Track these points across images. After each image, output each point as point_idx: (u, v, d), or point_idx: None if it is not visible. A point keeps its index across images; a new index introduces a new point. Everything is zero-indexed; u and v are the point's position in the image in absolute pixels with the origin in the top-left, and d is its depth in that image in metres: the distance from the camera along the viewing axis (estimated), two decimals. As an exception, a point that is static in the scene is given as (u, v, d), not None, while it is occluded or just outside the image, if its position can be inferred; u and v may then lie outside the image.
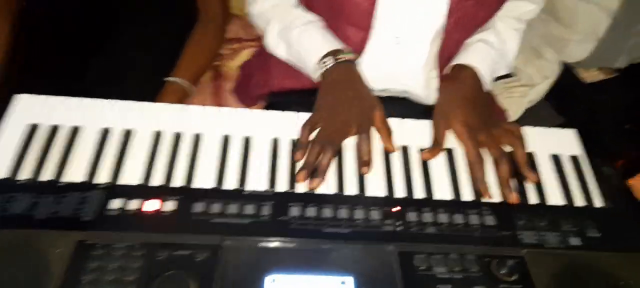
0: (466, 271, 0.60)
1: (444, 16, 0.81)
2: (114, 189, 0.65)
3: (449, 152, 0.76)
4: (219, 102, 1.08)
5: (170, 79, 1.00)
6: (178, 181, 0.68)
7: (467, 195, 0.71)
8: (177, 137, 0.73)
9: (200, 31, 1.07)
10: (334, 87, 0.78)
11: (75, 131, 0.72)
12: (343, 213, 0.65)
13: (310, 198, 0.67)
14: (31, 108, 0.74)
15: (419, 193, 0.70)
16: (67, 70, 1.00)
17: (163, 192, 0.66)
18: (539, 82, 1.09)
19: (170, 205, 0.64)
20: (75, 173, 0.67)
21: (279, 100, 0.97)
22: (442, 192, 0.71)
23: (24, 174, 0.66)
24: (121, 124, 0.74)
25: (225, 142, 0.73)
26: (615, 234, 0.67)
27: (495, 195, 0.71)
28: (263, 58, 1.02)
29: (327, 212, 0.65)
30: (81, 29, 1.00)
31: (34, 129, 0.71)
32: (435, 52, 0.86)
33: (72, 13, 0.99)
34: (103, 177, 0.67)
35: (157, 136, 0.73)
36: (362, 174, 0.70)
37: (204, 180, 0.69)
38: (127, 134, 0.72)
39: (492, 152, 0.73)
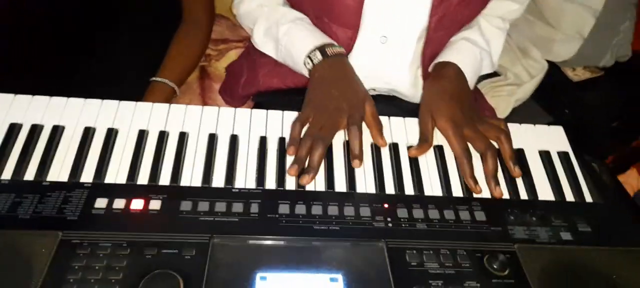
0: (458, 266, 0.59)
1: (427, 15, 0.81)
2: (99, 188, 0.64)
3: (440, 148, 0.75)
4: (205, 102, 1.07)
5: (156, 78, 0.99)
6: (164, 180, 0.67)
7: (457, 191, 0.71)
8: (163, 136, 0.72)
9: (184, 32, 1.06)
10: (324, 81, 0.77)
11: (57, 130, 0.70)
12: (333, 210, 0.65)
13: (299, 195, 0.66)
14: (12, 107, 0.72)
15: (409, 190, 0.70)
16: (52, 72, 0.98)
17: (149, 190, 0.64)
18: (526, 80, 1.10)
19: (157, 204, 0.62)
20: (59, 172, 0.66)
21: (265, 100, 0.96)
22: (433, 188, 0.71)
23: (6, 174, 0.65)
24: (104, 123, 0.72)
25: (211, 141, 0.72)
26: (607, 229, 0.67)
27: (483, 186, 0.71)
28: (249, 58, 1.02)
29: (317, 209, 0.64)
30: (67, 29, 0.99)
31: (14, 128, 0.70)
32: (421, 51, 0.86)
33: (58, 13, 0.97)
34: (87, 176, 0.66)
35: (142, 135, 0.71)
36: (353, 168, 0.70)
37: (191, 178, 0.68)
38: (111, 133, 0.71)
39: (478, 146, 0.73)
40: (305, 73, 0.82)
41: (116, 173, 0.67)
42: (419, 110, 0.78)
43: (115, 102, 0.75)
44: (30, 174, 0.65)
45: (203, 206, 0.63)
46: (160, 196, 0.63)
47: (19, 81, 0.78)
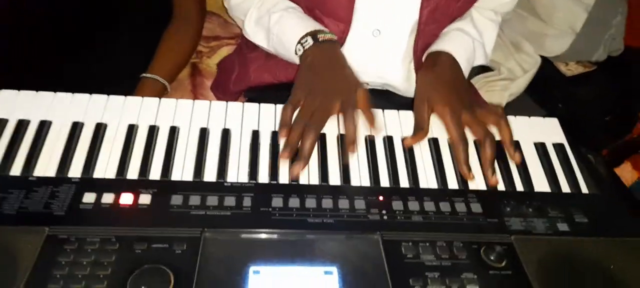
0: (454, 258, 0.59)
1: (418, 8, 0.80)
2: (87, 183, 0.62)
3: (435, 141, 0.74)
4: (197, 98, 1.05)
5: (146, 75, 0.97)
6: (155, 174, 0.65)
7: (452, 183, 0.70)
8: (153, 130, 0.70)
9: (175, 28, 1.05)
10: (315, 66, 0.76)
11: (44, 125, 0.69)
12: (327, 203, 0.63)
13: (293, 189, 0.65)
14: (-2, 102, 0.71)
15: (404, 182, 0.69)
16: (52, 72, 0.97)
17: (139, 184, 0.63)
18: (519, 75, 1.10)
19: (147, 198, 0.61)
20: (46, 167, 0.64)
21: (257, 96, 0.95)
22: (428, 181, 0.70)
23: (-9, 170, 0.63)
24: (93, 118, 0.71)
25: (203, 135, 0.71)
26: (603, 220, 0.66)
27: (478, 177, 0.70)
28: (241, 54, 1.01)
29: (311, 202, 0.63)
30: (67, 29, 0.98)
31: (0, 123, 0.68)
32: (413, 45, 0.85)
33: (58, 13, 0.97)
34: (75, 171, 0.64)
35: (132, 129, 0.70)
36: (348, 161, 0.68)
37: (182, 172, 0.66)
38: (100, 128, 0.69)
39: (477, 133, 0.72)
40: (297, 60, 0.80)
41: (105, 168, 0.65)
42: (413, 98, 0.77)
43: (104, 96, 0.74)
44: (16, 169, 0.63)
45: (194, 200, 0.61)
46: (150, 190, 0.62)
47: (19, 81, 0.76)
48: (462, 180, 0.70)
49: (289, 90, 0.80)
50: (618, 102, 1.16)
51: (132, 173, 0.65)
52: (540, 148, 0.76)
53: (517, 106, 1.09)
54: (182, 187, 0.63)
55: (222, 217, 0.60)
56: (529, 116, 0.82)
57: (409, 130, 0.76)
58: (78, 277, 0.51)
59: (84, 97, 0.73)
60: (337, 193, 0.65)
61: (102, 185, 0.62)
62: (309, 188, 0.66)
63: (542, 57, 1.14)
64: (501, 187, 0.70)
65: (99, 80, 0.94)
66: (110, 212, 0.59)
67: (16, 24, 0.93)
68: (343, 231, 0.61)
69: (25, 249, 0.53)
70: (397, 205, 0.64)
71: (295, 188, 0.65)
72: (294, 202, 0.63)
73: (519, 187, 0.71)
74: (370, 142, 0.73)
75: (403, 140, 0.74)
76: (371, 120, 0.72)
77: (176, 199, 0.61)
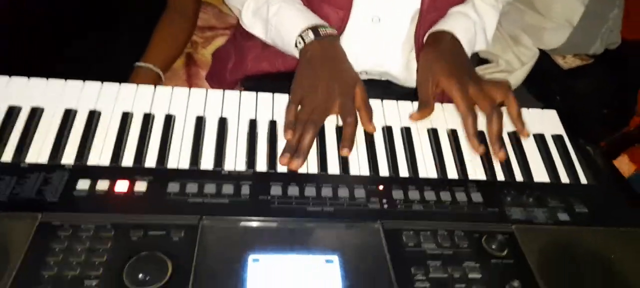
0: (456, 247, 0.58)
1: None
2: (81, 170, 0.61)
3: (434, 131, 0.74)
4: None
5: (140, 63, 0.96)
6: (150, 162, 0.64)
7: (452, 173, 0.69)
8: (148, 118, 0.69)
9: (169, 18, 1.03)
10: (315, 62, 0.75)
11: (36, 112, 0.67)
12: (326, 191, 0.62)
13: (292, 177, 0.64)
14: (-11, 88, 0.69)
15: (404, 172, 0.68)
16: (52, 72, 0.96)
17: (135, 172, 0.61)
18: (518, 67, 1.09)
19: (143, 185, 0.60)
20: (38, 154, 0.63)
21: (253, 85, 0.93)
22: (427, 170, 0.69)
23: (-18, 156, 0.61)
24: (86, 105, 0.69)
25: (199, 123, 0.69)
26: (603, 210, 0.66)
27: (478, 167, 0.70)
28: (236, 43, 0.99)
29: (310, 191, 0.62)
30: (67, 30, 0.97)
31: (-10, 109, 0.66)
32: (414, 33, 0.84)
33: (58, 13, 0.96)
34: (69, 158, 0.63)
35: (126, 117, 0.68)
36: (345, 153, 0.68)
37: (178, 160, 0.65)
38: (93, 115, 0.68)
39: (484, 107, 0.72)
40: (295, 53, 0.79)
41: (99, 156, 0.64)
42: (417, 75, 0.76)
43: (98, 83, 0.73)
44: (7, 156, 0.62)
45: (191, 188, 0.60)
46: (146, 178, 0.61)
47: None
48: (462, 170, 0.69)
49: (286, 80, 0.79)
50: (615, 95, 1.16)
51: (127, 160, 0.64)
52: (539, 139, 0.75)
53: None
54: (178, 174, 0.62)
55: (220, 205, 0.59)
56: (527, 108, 0.81)
57: (406, 120, 0.75)
58: (73, 264, 0.50)
59: (77, 83, 0.72)
60: (337, 182, 0.64)
61: (97, 172, 0.61)
62: (307, 177, 0.65)
63: (539, 50, 1.14)
64: (500, 177, 0.70)
65: (72, 66, 0.93)
66: (105, 199, 0.58)
67: (16, 24, 0.92)
68: (343, 220, 0.60)
69: (16, 236, 0.52)
70: (397, 194, 0.64)
71: (294, 177, 0.64)
72: (293, 191, 0.62)
73: (518, 177, 0.70)
74: (369, 134, 0.72)
75: (410, 115, 0.73)
76: (368, 119, 0.72)
77: (173, 187, 0.60)
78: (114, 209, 0.56)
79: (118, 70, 0.97)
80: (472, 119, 0.70)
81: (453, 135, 0.73)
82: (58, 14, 0.94)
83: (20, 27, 0.93)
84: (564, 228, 0.62)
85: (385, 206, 0.62)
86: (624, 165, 1.02)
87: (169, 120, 0.69)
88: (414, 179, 0.67)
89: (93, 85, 0.72)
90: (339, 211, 0.60)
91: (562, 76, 1.17)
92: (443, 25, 0.81)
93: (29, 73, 0.91)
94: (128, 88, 0.73)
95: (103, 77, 0.94)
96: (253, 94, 0.75)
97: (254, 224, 0.58)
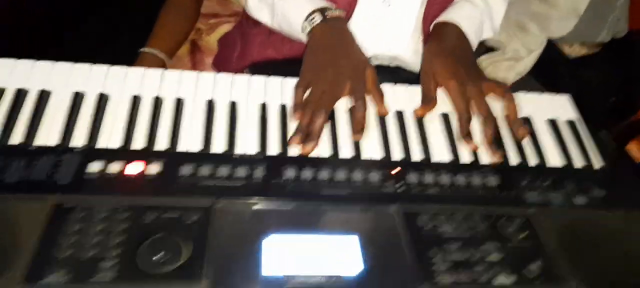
0: (473, 230, 0.57)
1: None
2: (92, 152, 0.60)
3: (446, 116, 0.73)
4: (198, 76, 1.03)
5: (145, 49, 0.94)
6: (161, 145, 0.63)
7: (465, 157, 0.68)
8: (157, 102, 0.68)
9: (173, 3, 1.02)
10: (323, 45, 0.74)
11: (43, 95, 0.66)
12: (340, 175, 0.62)
13: (304, 161, 0.63)
14: (-6, 71, 0.68)
15: (416, 156, 0.67)
16: (41, 42, 0.95)
17: (146, 155, 0.60)
18: (524, 55, 1.09)
19: (155, 168, 0.59)
20: (48, 137, 0.62)
21: (260, 72, 0.92)
22: (440, 154, 0.68)
23: (-11, 139, 0.60)
24: (95, 88, 0.68)
25: (210, 107, 0.68)
26: (618, 194, 0.65)
27: (480, 149, 0.69)
28: (242, 30, 0.98)
29: (324, 175, 0.61)
30: (67, 30, 0.96)
31: (-3, 92, 0.65)
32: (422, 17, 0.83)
33: (58, 13, 0.94)
34: (79, 141, 0.62)
35: (136, 100, 0.67)
36: (356, 137, 0.67)
37: (190, 144, 0.64)
38: (102, 98, 0.67)
39: (479, 109, 0.72)
40: (303, 38, 0.78)
41: (109, 139, 0.63)
42: (420, 70, 0.76)
43: (105, 66, 0.71)
44: (16, 138, 0.61)
45: (204, 171, 0.59)
46: (158, 161, 0.60)
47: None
48: (475, 154, 0.69)
49: (293, 66, 0.78)
50: (622, 83, 1.16)
51: (138, 143, 0.63)
52: (552, 124, 0.75)
53: (522, 87, 1.07)
54: (190, 157, 0.61)
55: (234, 188, 0.58)
56: (540, 93, 0.81)
57: (418, 104, 0.74)
58: (87, 246, 0.49)
59: (85, 67, 0.71)
60: (350, 166, 0.63)
61: (108, 155, 0.59)
62: (320, 161, 0.64)
63: (546, 37, 1.13)
64: (515, 161, 0.69)
65: (76, 51, 0.92)
66: (118, 182, 0.57)
67: (16, 24, 0.91)
68: (358, 203, 0.59)
69: (29, 218, 0.51)
70: (412, 177, 0.63)
71: (306, 160, 0.64)
72: (307, 174, 0.61)
73: (532, 162, 0.70)
74: (381, 116, 0.71)
75: (414, 111, 0.72)
76: (380, 101, 0.71)
77: (185, 169, 0.59)
78: (126, 192, 0.55)
79: (94, 42, 0.96)
80: (466, 119, 0.70)
81: (466, 120, 0.73)
82: (58, 14, 0.94)
83: (21, 28, 0.92)
84: (581, 212, 0.62)
85: (400, 189, 0.61)
86: (633, 152, 1.02)
87: (178, 103, 0.68)
88: (428, 163, 0.66)
89: (100, 69, 0.71)
90: (353, 194, 0.60)
91: (568, 65, 1.17)
92: (449, 15, 0.81)
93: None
94: (136, 71, 0.72)
95: (79, 50, 0.94)
96: (262, 77, 0.74)
97: (268, 207, 0.57)
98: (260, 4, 0.86)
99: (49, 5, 0.93)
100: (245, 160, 0.62)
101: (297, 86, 0.70)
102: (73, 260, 0.48)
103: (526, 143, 0.72)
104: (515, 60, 1.07)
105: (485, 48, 1.07)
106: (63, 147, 0.60)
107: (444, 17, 0.81)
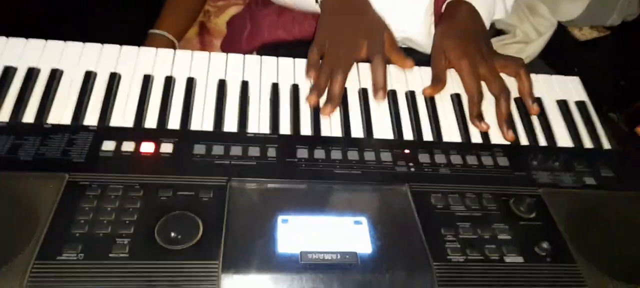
0: (484, 209, 0.57)
1: None
2: (105, 131, 0.60)
3: (457, 96, 0.73)
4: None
5: (154, 30, 0.94)
6: (174, 124, 0.63)
7: (476, 137, 0.69)
8: (169, 81, 0.68)
9: None
10: (339, 10, 0.73)
11: (55, 74, 0.66)
12: (353, 155, 0.62)
13: (317, 140, 0.64)
14: (5, 50, 0.68)
15: (428, 136, 0.68)
16: (45, 24, 0.95)
17: (159, 134, 0.61)
18: (534, 38, 1.08)
19: (168, 147, 0.59)
20: (60, 115, 0.62)
21: (269, 53, 0.92)
22: (451, 134, 0.69)
23: (3, 116, 0.61)
24: (106, 68, 0.68)
25: (221, 86, 0.69)
26: (628, 174, 0.65)
27: (492, 128, 0.69)
28: (251, 11, 0.98)
29: (336, 154, 0.62)
30: (67, 30, 0.95)
31: (9, 71, 0.65)
32: None
33: (58, 14, 0.94)
34: (91, 119, 0.62)
35: (147, 80, 0.68)
36: (370, 114, 0.67)
37: (202, 123, 0.64)
38: (114, 78, 0.67)
39: (493, 89, 0.71)
40: (317, 8, 0.78)
41: (122, 117, 0.63)
42: (431, 49, 0.76)
43: (117, 46, 0.71)
44: (29, 117, 0.61)
45: (218, 149, 0.60)
46: (171, 139, 0.60)
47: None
48: (486, 134, 0.69)
49: (302, 47, 0.77)
50: (632, 67, 1.15)
51: (150, 122, 0.63)
52: (563, 105, 0.75)
53: (532, 70, 1.07)
54: (203, 136, 0.61)
55: (248, 167, 0.58)
56: (550, 75, 0.81)
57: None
58: (103, 223, 0.49)
59: (96, 46, 0.71)
60: (362, 146, 0.64)
61: (121, 134, 0.60)
62: (332, 141, 0.64)
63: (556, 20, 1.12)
64: (525, 141, 0.69)
65: (81, 33, 0.92)
66: (132, 160, 0.57)
67: (16, 24, 0.91)
68: (370, 182, 0.59)
69: (45, 195, 0.51)
70: (424, 157, 0.63)
71: (319, 140, 0.64)
72: (320, 154, 0.61)
73: (542, 142, 0.70)
74: (392, 96, 0.71)
75: (423, 90, 0.72)
76: (402, 59, 0.70)
77: (199, 149, 0.59)
78: (140, 170, 0.56)
79: (99, 25, 0.96)
80: (477, 100, 0.70)
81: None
82: (58, 15, 0.94)
83: (21, 28, 0.91)
84: (591, 192, 0.62)
85: (412, 169, 0.62)
86: (642, 135, 1.02)
87: (190, 83, 0.68)
88: (439, 143, 0.67)
89: (112, 48, 0.71)
90: (366, 174, 0.60)
91: (577, 48, 1.16)
92: None
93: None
94: (147, 51, 0.72)
95: (83, 32, 0.94)
96: (273, 58, 0.74)
97: (282, 186, 0.57)
98: None
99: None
100: (258, 139, 0.62)
101: (312, 46, 0.69)
102: (89, 236, 0.48)
103: (536, 123, 0.72)
104: (525, 43, 1.06)
105: (495, 31, 1.06)
106: (76, 125, 0.60)
107: None
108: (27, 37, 0.70)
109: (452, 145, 0.66)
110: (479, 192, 0.59)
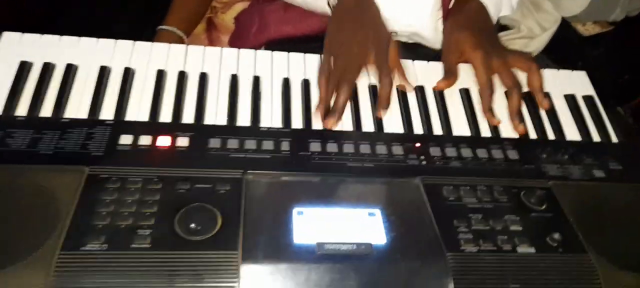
0: (495, 201, 0.59)
1: None
2: (121, 125, 0.61)
3: (466, 91, 0.74)
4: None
5: (163, 27, 0.95)
6: (188, 118, 0.64)
7: (485, 131, 0.70)
8: (182, 76, 0.69)
9: None
10: (347, 18, 0.74)
11: (71, 69, 0.67)
12: (365, 148, 0.63)
13: (328, 134, 0.65)
14: (21, 46, 0.69)
15: (438, 131, 0.69)
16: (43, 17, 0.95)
17: (174, 128, 0.62)
18: (539, 33, 1.09)
19: (184, 141, 0.60)
20: (77, 110, 0.63)
21: (277, 49, 0.93)
22: (461, 129, 0.70)
23: (20, 111, 0.62)
24: (120, 63, 0.69)
25: (234, 81, 0.69)
26: (637, 167, 0.66)
27: (502, 122, 0.70)
28: (259, 6, 0.98)
29: (349, 148, 0.63)
30: (67, 31, 0.96)
31: (25, 66, 0.66)
32: None
33: (58, 14, 0.94)
34: (107, 114, 0.63)
35: (161, 75, 0.68)
36: (381, 111, 0.68)
37: (216, 117, 0.65)
38: (128, 73, 0.68)
39: (505, 81, 0.72)
40: (327, 10, 0.79)
41: (137, 112, 0.64)
42: (442, 43, 0.76)
43: (130, 42, 0.72)
44: (46, 111, 0.62)
45: (232, 143, 0.61)
46: (186, 133, 0.61)
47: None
48: (495, 128, 0.70)
49: (309, 43, 0.78)
50: (636, 61, 1.16)
51: (165, 117, 0.64)
52: (570, 99, 0.76)
53: (536, 65, 1.08)
54: (217, 130, 0.62)
55: (262, 160, 0.59)
56: (557, 69, 0.82)
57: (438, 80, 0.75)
58: (125, 215, 0.50)
59: (110, 42, 0.71)
60: (374, 140, 0.64)
61: (137, 128, 0.61)
62: (344, 135, 0.65)
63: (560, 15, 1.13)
64: (533, 135, 0.70)
65: (86, 27, 0.93)
66: (149, 153, 0.58)
67: (16, 24, 0.91)
68: (383, 175, 0.60)
69: (66, 188, 0.52)
70: (435, 151, 0.64)
71: (331, 134, 0.65)
72: (332, 147, 0.62)
73: (551, 136, 0.71)
74: (402, 92, 0.72)
75: (436, 84, 0.73)
76: (404, 76, 0.71)
77: (214, 142, 0.60)
78: (158, 163, 0.57)
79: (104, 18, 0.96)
80: (489, 93, 0.71)
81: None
82: (58, 15, 0.94)
83: (20, 28, 0.92)
84: (600, 184, 0.63)
85: (424, 162, 0.63)
86: (647, 130, 1.03)
87: (203, 78, 0.69)
88: (449, 137, 0.68)
89: (126, 44, 0.72)
90: (378, 167, 0.61)
91: (581, 43, 1.17)
92: None
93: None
94: (161, 46, 0.73)
95: (87, 25, 0.94)
96: (284, 53, 0.75)
97: (297, 178, 0.58)
98: None
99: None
100: (271, 133, 0.63)
101: (323, 60, 0.71)
102: (111, 227, 0.49)
103: (545, 118, 0.73)
104: (529, 39, 1.07)
105: (499, 26, 1.07)
106: (93, 120, 0.61)
107: None
108: (24, 29, 0.70)
109: (462, 139, 0.67)
110: (490, 185, 0.60)
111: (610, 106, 0.76)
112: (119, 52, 0.70)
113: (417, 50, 0.87)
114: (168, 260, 0.47)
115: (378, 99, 0.69)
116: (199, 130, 0.62)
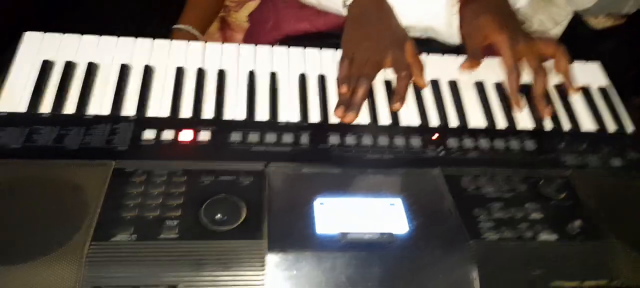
0: (515, 191, 0.59)
1: None
2: (144, 121, 0.62)
3: (479, 84, 0.74)
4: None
5: (178, 26, 0.96)
6: (208, 114, 0.65)
7: (500, 124, 0.70)
8: (201, 73, 0.70)
9: None
10: (364, 18, 0.75)
11: (92, 67, 0.68)
12: (383, 140, 0.64)
13: (346, 128, 0.65)
14: (43, 45, 0.70)
15: (453, 123, 0.69)
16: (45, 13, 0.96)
17: (195, 123, 0.63)
18: (551, 27, 1.09)
19: (206, 135, 0.61)
20: (100, 107, 0.64)
21: (293, 46, 0.94)
22: (476, 121, 0.70)
23: (44, 109, 0.63)
24: (140, 61, 0.70)
25: (251, 77, 0.70)
26: (652, 156, 0.67)
27: (526, 118, 0.71)
28: (272, 4, 0.99)
29: (367, 140, 0.64)
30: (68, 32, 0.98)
31: (47, 65, 0.67)
32: None
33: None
34: (130, 110, 0.64)
35: (180, 72, 0.69)
36: (396, 107, 0.69)
37: (235, 112, 0.66)
38: (149, 70, 0.69)
39: (532, 63, 0.72)
40: (343, 11, 0.80)
41: (158, 108, 0.65)
42: (460, 26, 0.77)
43: (149, 40, 0.73)
44: (70, 108, 0.63)
45: (253, 137, 0.62)
46: (208, 128, 0.62)
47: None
48: (510, 119, 0.70)
49: (325, 39, 0.79)
50: (648, 53, 1.16)
51: (186, 112, 0.65)
52: (585, 91, 0.76)
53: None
54: (237, 125, 0.63)
55: (283, 153, 0.60)
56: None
57: (454, 75, 0.75)
58: (152, 206, 0.51)
59: (129, 40, 0.73)
60: (391, 132, 0.65)
61: (159, 123, 0.62)
62: (361, 128, 0.66)
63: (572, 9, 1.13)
64: (549, 126, 0.71)
65: (98, 25, 0.94)
66: (172, 148, 0.59)
67: (16, 24, 0.92)
68: (402, 166, 0.61)
69: (94, 181, 0.53)
70: (452, 142, 0.65)
71: (348, 127, 0.66)
72: (351, 140, 0.63)
73: (566, 127, 0.71)
74: (420, 88, 0.73)
75: (461, 65, 0.74)
76: (420, 73, 0.72)
77: (235, 136, 0.61)
78: (182, 157, 0.58)
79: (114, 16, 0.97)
80: (516, 74, 0.71)
81: (500, 88, 0.74)
82: None
83: (20, 28, 0.94)
84: (618, 172, 0.64)
85: (442, 153, 0.63)
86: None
87: (221, 74, 0.70)
88: (465, 129, 0.68)
89: (145, 42, 0.73)
90: (397, 158, 0.62)
91: (594, 36, 1.17)
92: None
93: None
94: (179, 44, 0.74)
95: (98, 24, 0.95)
96: (300, 49, 0.76)
97: (318, 170, 0.59)
98: None
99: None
100: (290, 127, 0.64)
101: (342, 59, 0.72)
102: (140, 219, 0.50)
103: (560, 109, 0.73)
104: (541, 32, 1.07)
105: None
106: (117, 116, 0.62)
107: None
108: (26, 26, 0.71)
109: (479, 131, 0.68)
110: (509, 175, 0.61)
111: (625, 97, 0.76)
112: (138, 50, 0.71)
113: (430, 45, 0.87)
114: (196, 249, 0.48)
115: (394, 93, 0.69)
116: (220, 125, 0.63)
